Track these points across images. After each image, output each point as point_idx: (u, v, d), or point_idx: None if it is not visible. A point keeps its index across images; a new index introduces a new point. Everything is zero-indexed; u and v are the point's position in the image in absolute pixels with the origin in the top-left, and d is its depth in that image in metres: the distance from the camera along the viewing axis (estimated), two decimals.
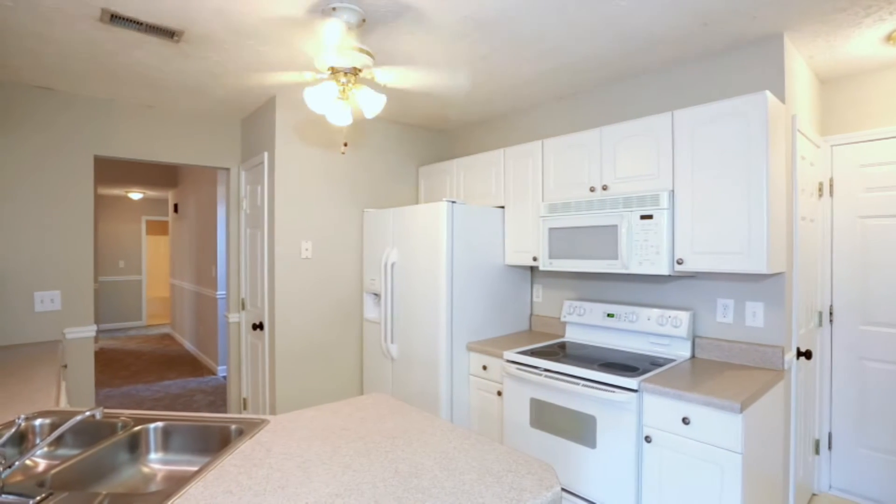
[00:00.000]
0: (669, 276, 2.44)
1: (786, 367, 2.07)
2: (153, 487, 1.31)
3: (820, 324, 2.63)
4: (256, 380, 3.30)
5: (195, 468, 1.36)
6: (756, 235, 1.89)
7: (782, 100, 2.08)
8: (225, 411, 4.00)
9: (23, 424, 1.37)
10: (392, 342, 3.02)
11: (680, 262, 2.11)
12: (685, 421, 1.79)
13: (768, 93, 1.86)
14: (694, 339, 2.34)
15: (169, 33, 2.06)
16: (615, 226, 2.27)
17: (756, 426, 1.79)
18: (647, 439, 1.90)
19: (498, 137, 3.44)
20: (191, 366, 5.64)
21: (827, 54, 2.27)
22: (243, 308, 3.54)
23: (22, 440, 1.42)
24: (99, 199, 8.08)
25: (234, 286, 3.58)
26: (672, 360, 2.23)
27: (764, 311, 2.14)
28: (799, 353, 2.25)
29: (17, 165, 2.70)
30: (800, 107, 2.27)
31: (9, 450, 1.37)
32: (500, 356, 2.52)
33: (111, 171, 6.49)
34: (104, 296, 8.19)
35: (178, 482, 1.06)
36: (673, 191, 2.14)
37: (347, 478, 1.08)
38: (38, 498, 0.96)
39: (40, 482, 1.08)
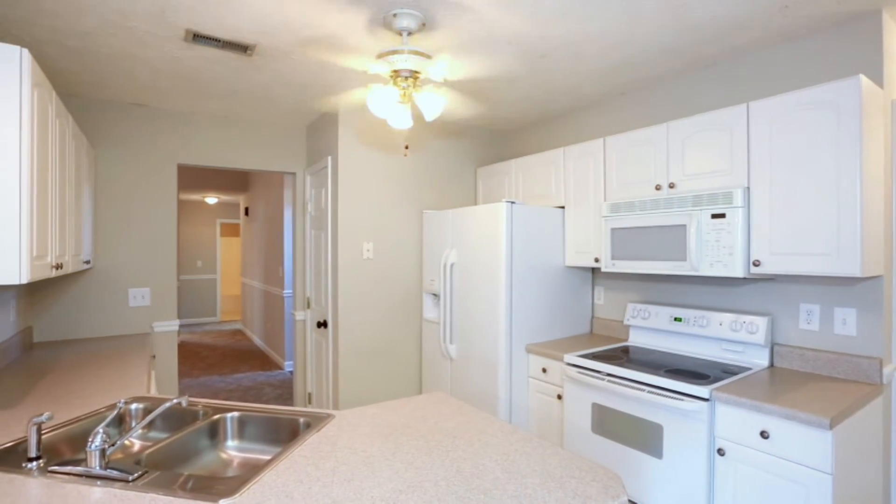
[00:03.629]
0: (744, 278, 2.27)
1: (885, 381, 1.87)
2: (230, 472, 1.40)
3: None
4: (321, 375, 3.45)
5: (267, 457, 1.44)
6: (847, 235, 1.72)
7: (880, 84, 1.88)
8: (291, 404, 4.21)
9: (122, 408, 1.52)
10: (451, 342, 3.05)
11: (756, 264, 1.97)
12: (763, 435, 1.66)
13: (862, 77, 1.69)
14: (772, 346, 2.17)
15: (242, 48, 2.21)
16: (683, 225, 2.16)
17: (849, 445, 1.63)
18: (720, 452, 1.79)
19: (557, 136, 3.37)
20: (260, 360, 5.98)
21: None
22: (308, 306, 3.71)
23: (121, 422, 1.58)
24: (179, 204, 8.80)
25: (299, 285, 3.76)
26: (747, 369, 2.08)
27: (856, 317, 1.94)
28: None
29: (114, 175, 3.00)
30: None
31: (111, 430, 1.53)
32: (561, 359, 2.47)
33: (190, 177, 7.03)
34: (184, 293, 8.91)
35: (252, 469, 1.13)
36: (748, 187, 2.00)
37: (410, 475, 1.10)
38: (136, 475, 1.07)
39: (136, 460, 1.20)
